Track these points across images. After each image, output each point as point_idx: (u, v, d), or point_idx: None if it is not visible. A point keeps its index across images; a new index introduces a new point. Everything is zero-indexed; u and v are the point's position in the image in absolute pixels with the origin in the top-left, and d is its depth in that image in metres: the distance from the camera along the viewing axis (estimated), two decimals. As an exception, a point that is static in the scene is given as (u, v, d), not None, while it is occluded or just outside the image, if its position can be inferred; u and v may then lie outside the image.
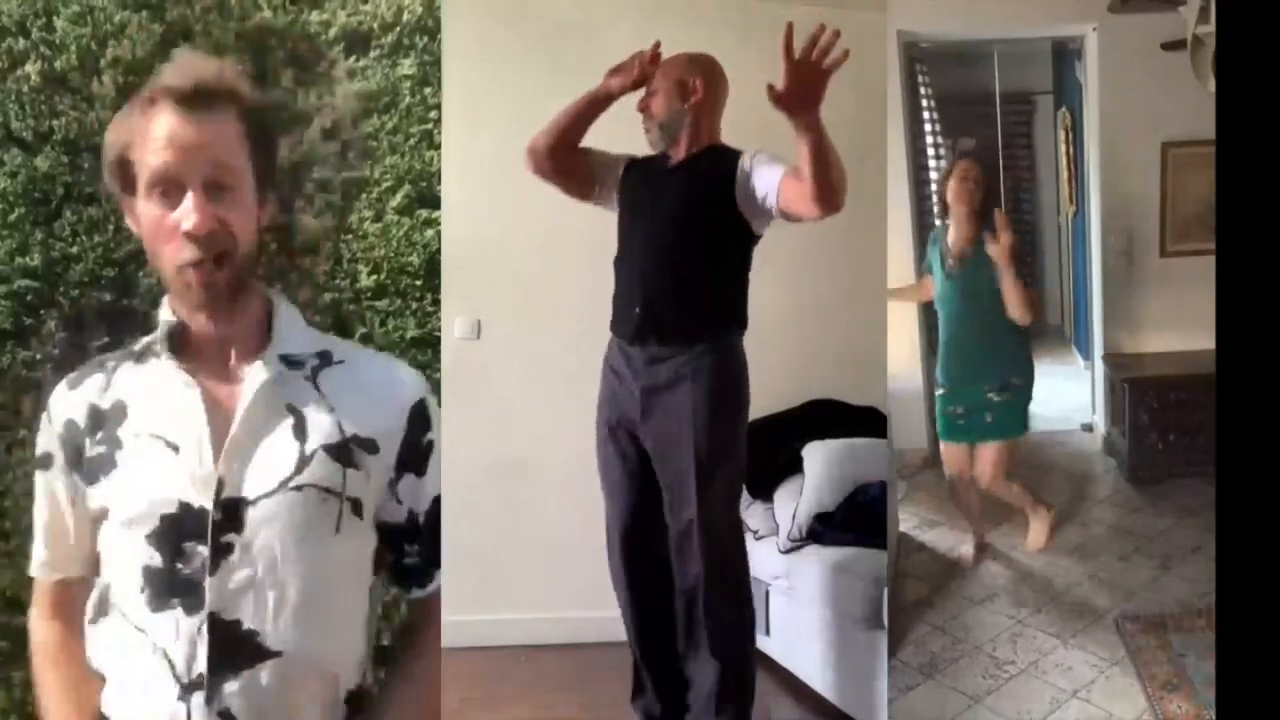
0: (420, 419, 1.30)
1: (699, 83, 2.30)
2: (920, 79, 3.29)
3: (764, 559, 3.11)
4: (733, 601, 2.25)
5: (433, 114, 1.93)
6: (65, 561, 1.29)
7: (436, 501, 1.33)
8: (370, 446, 1.25)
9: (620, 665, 2.60)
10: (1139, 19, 2.90)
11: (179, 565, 1.17)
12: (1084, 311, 3.78)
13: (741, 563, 2.29)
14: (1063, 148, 4.01)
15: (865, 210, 3.15)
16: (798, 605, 2.92)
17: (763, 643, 3.12)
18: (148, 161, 1.20)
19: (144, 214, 1.22)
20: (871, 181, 3.09)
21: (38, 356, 1.76)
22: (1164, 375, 3.20)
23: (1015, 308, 2.64)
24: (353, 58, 1.91)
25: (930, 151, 3.37)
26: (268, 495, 1.19)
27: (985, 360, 2.74)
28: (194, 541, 1.16)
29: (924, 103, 3.32)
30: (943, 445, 2.88)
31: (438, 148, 1.93)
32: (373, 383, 1.30)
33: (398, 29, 1.93)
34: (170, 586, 1.17)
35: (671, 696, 2.38)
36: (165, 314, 1.28)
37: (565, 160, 2.34)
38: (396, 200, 1.90)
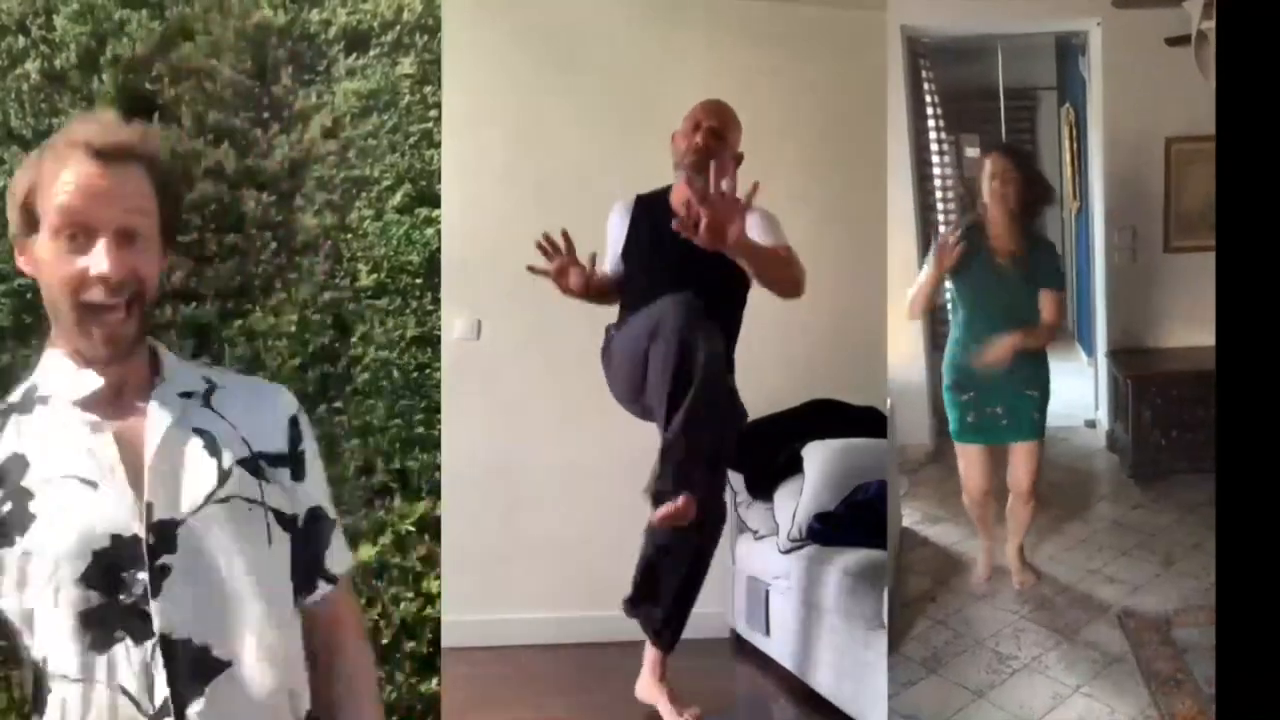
0: (294, 430, 1.35)
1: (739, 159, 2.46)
2: (923, 74, 3.27)
3: (764, 559, 3.11)
4: None
5: (433, 113, 1.93)
6: None
7: (316, 511, 1.34)
8: (274, 460, 1.30)
9: (620, 665, 2.61)
10: (1143, 14, 2.88)
11: (121, 597, 1.15)
12: (1087, 307, 3.77)
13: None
14: (1066, 143, 3.99)
15: (866, 208, 3.16)
16: (798, 605, 2.91)
17: (763, 643, 3.13)
18: (56, 203, 1.20)
19: (45, 256, 1.22)
20: (873, 178, 3.08)
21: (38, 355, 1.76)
22: (1167, 371, 3.19)
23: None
24: (353, 56, 1.91)
25: (934, 147, 3.35)
26: (195, 511, 1.20)
27: (1024, 363, 2.69)
28: (132, 570, 1.16)
29: (927, 98, 3.31)
30: (965, 452, 2.70)
31: (438, 146, 1.93)
32: (254, 402, 1.34)
33: (398, 28, 1.93)
34: (114, 620, 1.15)
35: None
36: (56, 361, 1.28)
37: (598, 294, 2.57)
38: (396, 199, 1.90)
